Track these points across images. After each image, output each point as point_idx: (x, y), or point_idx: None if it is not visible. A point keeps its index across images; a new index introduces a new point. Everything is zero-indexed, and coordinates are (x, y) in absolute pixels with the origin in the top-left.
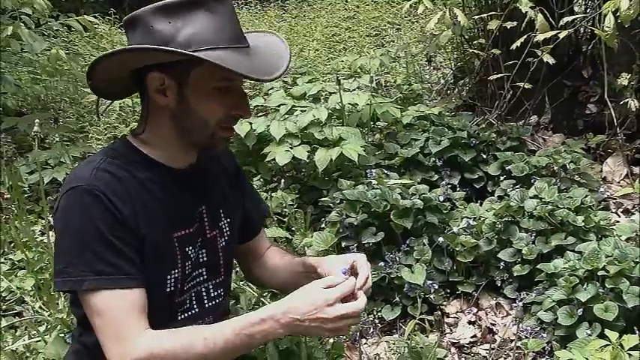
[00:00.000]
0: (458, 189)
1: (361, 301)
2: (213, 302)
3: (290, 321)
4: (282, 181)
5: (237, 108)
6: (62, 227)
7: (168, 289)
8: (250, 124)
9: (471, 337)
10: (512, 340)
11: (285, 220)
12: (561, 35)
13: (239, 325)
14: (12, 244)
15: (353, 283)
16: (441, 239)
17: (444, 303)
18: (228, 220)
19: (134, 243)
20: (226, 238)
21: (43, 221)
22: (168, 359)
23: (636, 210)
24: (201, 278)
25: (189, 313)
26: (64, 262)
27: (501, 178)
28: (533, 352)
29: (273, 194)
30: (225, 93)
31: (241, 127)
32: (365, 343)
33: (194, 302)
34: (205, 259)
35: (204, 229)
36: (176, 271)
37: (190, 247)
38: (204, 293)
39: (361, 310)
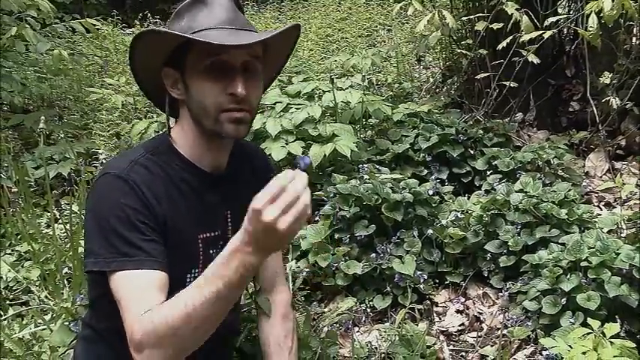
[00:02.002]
0: (446, 183)
1: (295, 184)
2: None
3: (249, 240)
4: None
5: (229, 86)
6: (93, 210)
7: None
8: None
9: (459, 326)
10: (498, 328)
11: None
12: (546, 36)
13: (211, 272)
14: (18, 236)
15: (279, 181)
16: (430, 231)
17: (433, 293)
18: None
19: (160, 230)
20: None
21: (49, 214)
22: (162, 331)
23: (617, 203)
24: None
25: None
26: (95, 244)
27: (488, 172)
28: (519, 339)
29: None
30: (221, 73)
31: None
32: (357, 331)
33: None
34: None
35: (226, 233)
36: (196, 271)
37: (213, 250)
38: None
39: (298, 193)
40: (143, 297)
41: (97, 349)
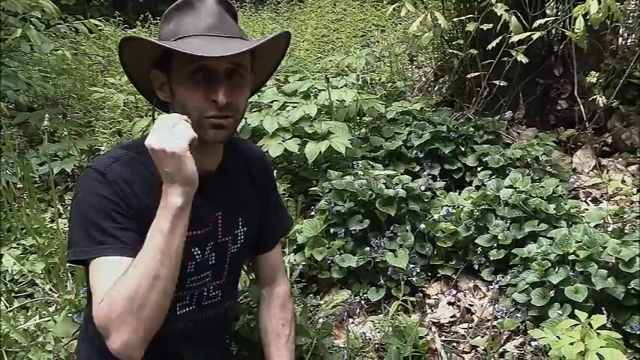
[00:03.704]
0: (438, 179)
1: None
2: (210, 301)
3: (167, 177)
4: (275, 172)
5: (212, 93)
6: (74, 203)
7: None
8: (245, 118)
9: (451, 317)
10: (488, 320)
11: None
12: (534, 36)
13: (154, 228)
14: (24, 231)
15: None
16: (422, 226)
17: (426, 285)
18: (246, 229)
19: (137, 221)
20: (238, 245)
21: (53, 209)
22: (119, 299)
23: (604, 198)
24: (207, 280)
25: (188, 308)
26: (75, 235)
27: (478, 169)
28: (509, 330)
29: None
30: (205, 80)
31: None
32: (352, 323)
33: (194, 299)
34: (213, 262)
35: (216, 234)
36: None
37: (197, 249)
38: (204, 293)
39: (174, 122)
40: (111, 283)
41: (100, 344)
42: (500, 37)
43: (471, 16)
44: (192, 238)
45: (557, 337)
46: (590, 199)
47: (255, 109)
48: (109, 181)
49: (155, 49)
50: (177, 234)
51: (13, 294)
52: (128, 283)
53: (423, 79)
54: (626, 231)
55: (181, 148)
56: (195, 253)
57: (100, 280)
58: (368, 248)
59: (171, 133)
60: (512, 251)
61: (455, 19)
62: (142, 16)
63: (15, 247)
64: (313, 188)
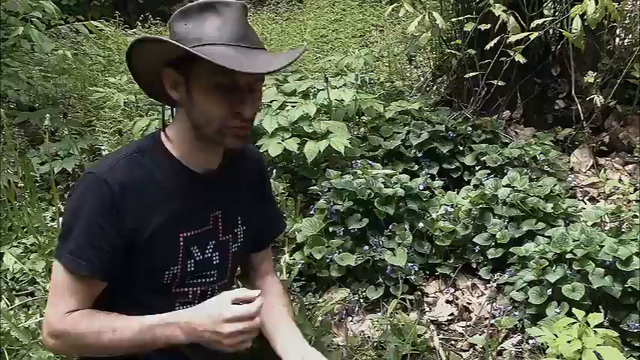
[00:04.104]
0: (436, 178)
1: (256, 321)
2: None
3: (190, 330)
4: (275, 171)
5: (238, 105)
6: (68, 203)
7: (164, 282)
8: None
9: (449, 315)
10: (486, 318)
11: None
12: (532, 37)
13: (146, 324)
14: (24, 229)
15: (252, 309)
16: (421, 225)
17: (424, 284)
18: (245, 227)
19: (117, 240)
20: (239, 244)
21: (54, 208)
22: (79, 342)
23: (601, 197)
24: (212, 279)
25: (189, 305)
26: (60, 236)
27: (477, 168)
28: (506, 328)
29: None
30: (229, 91)
31: None
32: (350, 321)
33: (197, 297)
34: (218, 261)
35: (217, 233)
36: (175, 267)
37: (196, 248)
38: (209, 293)
39: (254, 329)
40: (71, 298)
41: None
42: (498, 38)
43: (468, 16)
44: (190, 237)
45: (555, 335)
46: (587, 198)
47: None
48: (104, 189)
49: (176, 51)
50: (158, 346)
51: (14, 292)
52: (94, 337)
53: (422, 78)
54: (623, 230)
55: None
56: (195, 251)
57: (61, 292)
58: (367, 247)
59: (245, 337)
60: (510, 250)
61: (453, 20)
62: (142, 16)
63: (16, 246)
64: (312, 187)
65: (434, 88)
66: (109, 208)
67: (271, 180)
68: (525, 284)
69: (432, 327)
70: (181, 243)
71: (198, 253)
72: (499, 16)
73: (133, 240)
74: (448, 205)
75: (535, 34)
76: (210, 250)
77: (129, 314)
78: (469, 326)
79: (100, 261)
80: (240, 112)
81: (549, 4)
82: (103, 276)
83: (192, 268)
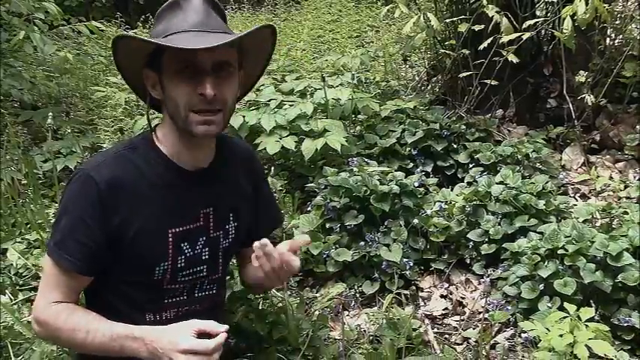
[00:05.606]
0: (431, 175)
1: (212, 358)
2: (203, 294)
3: (153, 349)
4: (272, 168)
5: (199, 87)
6: (61, 200)
7: (155, 277)
8: (243, 116)
9: (443, 310)
10: (480, 312)
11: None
12: (524, 37)
13: (117, 333)
14: (28, 225)
15: (210, 346)
16: (415, 221)
17: (419, 279)
18: (236, 224)
19: (101, 236)
20: (230, 240)
21: (56, 205)
22: (56, 334)
23: (592, 194)
24: (202, 274)
25: (178, 299)
26: (52, 228)
27: (470, 165)
28: (499, 323)
29: None
30: (192, 75)
31: (235, 120)
32: (347, 315)
33: (185, 291)
34: (207, 256)
35: (208, 229)
36: (165, 263)
37: (186, 244)
38: (198, 286)
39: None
40: (56, 289)
41: None
42: (491, 38)
43: (462, 17)
44: (181, 233)
45: (547, 329)
46: (578, 195)
47: (253, 108)
48: (92, 186)
49: (146, 49)
50: (124, 355)
51: (17, 287)
52: (69, 334)
53: (417, 78)
54: (613, 226)
55: None
56: (185, 247)
57: (48, 283)
58: (363, 243)
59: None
60: (503, 246)
61: (447, 20)
62: (142, 17)
63: (19, 242)
64: (309, 184)
65: (428, 87)
66: (95, 205)
67: (269, 177)
68: (518, 279)
69: (427, 321)
70: (170, 239)
71: (189, 249)
72: (492, 16)
73: (119, 236)
74: (442, 202)
75: (527, 35)
76: (200, 246)
77: (117, 309)
78: (463, 320)
79: (83, 255)
80: (202, 92)
81: (541, 5)
82: (85, 271)
83: (183, 264)
